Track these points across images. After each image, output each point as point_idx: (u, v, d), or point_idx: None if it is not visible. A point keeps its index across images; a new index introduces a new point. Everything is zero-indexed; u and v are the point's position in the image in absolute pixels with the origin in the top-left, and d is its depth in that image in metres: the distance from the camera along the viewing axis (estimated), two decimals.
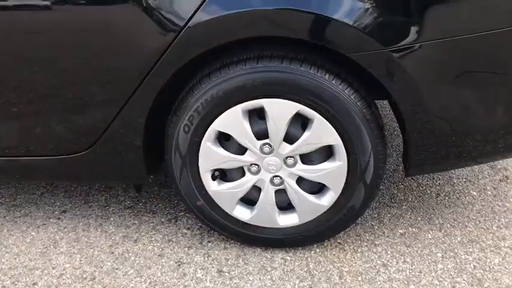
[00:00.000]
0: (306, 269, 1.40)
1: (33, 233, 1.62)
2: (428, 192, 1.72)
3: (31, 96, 1.32)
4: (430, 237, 1.51)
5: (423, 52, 1.16)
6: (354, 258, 1.44)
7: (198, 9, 1.15)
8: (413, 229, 1.55)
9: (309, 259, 1.44)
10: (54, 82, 1.29)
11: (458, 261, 1.41)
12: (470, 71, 1.21)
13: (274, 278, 1.38)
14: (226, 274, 1.40)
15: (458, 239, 1.50)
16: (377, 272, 1.38)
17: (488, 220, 1.57)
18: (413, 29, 1.14)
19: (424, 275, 1.37)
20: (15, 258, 1.50)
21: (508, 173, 1.79)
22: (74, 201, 1.76)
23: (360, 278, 1.37)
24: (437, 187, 1.74)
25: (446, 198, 1.68)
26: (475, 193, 1.70)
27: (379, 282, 1.35)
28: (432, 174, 1.80)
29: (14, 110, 1.35)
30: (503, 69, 1.23)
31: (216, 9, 1.16)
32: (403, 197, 1.70)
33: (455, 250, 1.45)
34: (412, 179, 1.78)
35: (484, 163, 1.79)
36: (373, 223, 1.58)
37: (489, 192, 1.70)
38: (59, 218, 1.68)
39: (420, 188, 1.74)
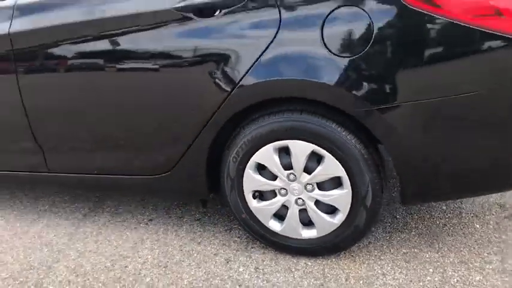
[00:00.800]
0: (321, 272, 1.82)
1: (127, 233, 2.20)
2: (437, 222, 2.06)
3: (130, 134, 1.93)
4: (427, 256, 1.86)
5: (403, 109, 1.58)
6: (360, 267, 1.83)
7: (243, 76, 1.67)
8: (415, 250, 1.90)
9: (325, 265, 1.86)
10: (146, 124, 1.88)
11: (444, 276, 1.75)
12: (441, 123, 1.60)
13: (295, 276, 1.82)
14: (260, 270, 1.86)
15: (451, 259, 1.83)
16: (376, 278, 1.77)
17: (482, 247, 1.88)
18: (395, 93, 1.57)
19: (413, 283, 1.73)
20: (114, 249, 2.09)
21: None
22: (158, 212, 2.34)
23: (361, 282, 1.76)
24: (446, 219, 2.07)
25: (452, 228, 2.01)
26: (478, 226, 2.01)
27: (376, 285, 1.73)
28: (444, 207, 2.13)
29: (119, 143, 1.96)
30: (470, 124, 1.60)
31: (257, 76, 1.67)
32: (414, 225, 2.05)
33: (445, 268, 1.79)
34: (426, 211, 2.13)
35: (469, 197, 2.10)
36: (383, 243, 1.96)
37: (491, 226, 2.00)
38: (146, 224, 2.26)
39: (431, 219, 2.09)
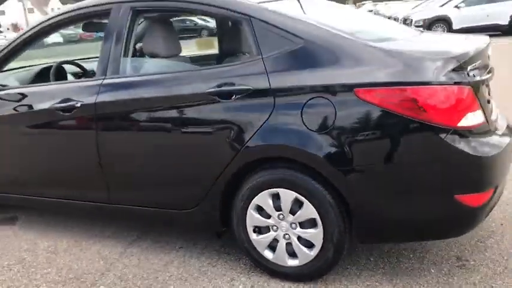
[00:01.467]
0: None
1: (162, 255, 2.87)
2: (401, 265, 2.57)
3: (172, 179, 2.64)
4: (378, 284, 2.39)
5: (357, 171, 2.19)
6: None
7: (248, 140, 2.36)
8: (377, 283, 2.43)
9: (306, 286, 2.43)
10: (184, 173, 2.59)
11: None
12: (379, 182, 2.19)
13: None
14: None
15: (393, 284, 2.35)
16: None
17: (430, 286, 2.38)
18: (351, 159, 2.20)
19: None
20: (151, 265, 2.76)
21: (466, 262, 2.56)
22: (187, 243, 3.00)
23: None
24: (410, 263, 2.58)
25: (411, 270, 2.52)
26: (433, 270, 2.51)
27: None
28: (411, 255, 2.64)
29: (161, 184, 2.68)
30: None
31: (257, 140, 2.36)
32: (381, 265, 2.59)
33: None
34: (395, 256, 2.65)
35: (417, 241, 2.67)
36: (353, 277, 2.50)
37: (443, 272, 2.50)
38: (177, 250, 2.93)
39: (398, 262, 2.60)
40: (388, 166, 2.17)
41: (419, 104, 2.09)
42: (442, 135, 2.10)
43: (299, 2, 2.84)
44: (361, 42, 2.25)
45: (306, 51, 2.28)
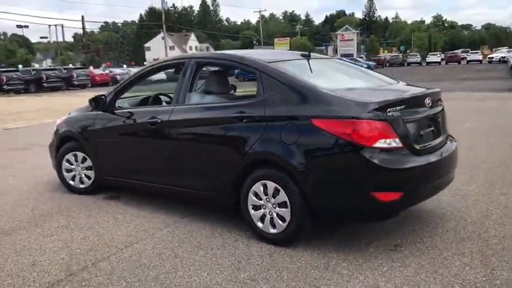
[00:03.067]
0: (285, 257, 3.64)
1: (198, 239, 4.30)
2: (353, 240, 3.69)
3: (205, 170, 4.09)
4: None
5: (310, 170, 3.43)
6: (316, 258, 3.60)
7: (250, 147, 3.72)
8: (330, 253, 3.58)
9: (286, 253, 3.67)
10: (213, 168, 4.02)
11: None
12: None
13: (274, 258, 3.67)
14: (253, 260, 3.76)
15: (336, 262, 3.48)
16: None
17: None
18: (303, 163, 3.44)
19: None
20: (188, 243, 4.20)
21: (399, 242, 3.59)
22: (210, 223, 4.39)
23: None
24: (359, 240, 3.68)
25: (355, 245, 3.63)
26: (371, 249, 3.59)
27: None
28: (360, 234, 3.74)
29: (198, 173, 4.14)
30: None
31: (256, 148, 3.70)
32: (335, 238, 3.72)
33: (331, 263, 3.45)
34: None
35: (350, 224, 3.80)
36: (322, 243, 3.68)
37: (382, 253, 3.56)
38: (205, 226, 4.33)
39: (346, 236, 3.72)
40: (328, 168, 3.41)
41: (348, 131, 3.30)
42: (362, 152, 3.27)
43: (308, 62, 4.12)
44: (320, 90, 3.52)
45: (287, 94, 3.62)
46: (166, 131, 4.33)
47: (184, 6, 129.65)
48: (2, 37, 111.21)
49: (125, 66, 60.62)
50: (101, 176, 5.11)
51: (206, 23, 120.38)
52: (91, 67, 44.98)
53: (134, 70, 44.11)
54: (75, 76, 32.73)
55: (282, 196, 3.61)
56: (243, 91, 6.10)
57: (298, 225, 3.58)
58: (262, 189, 3.73)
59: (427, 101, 3.70)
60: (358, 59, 47.28)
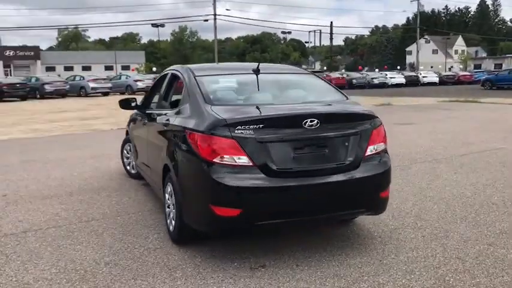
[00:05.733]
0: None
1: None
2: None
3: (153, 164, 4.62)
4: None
5: (177, 173, 3.64)
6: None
7: (164, 151, 4.10)
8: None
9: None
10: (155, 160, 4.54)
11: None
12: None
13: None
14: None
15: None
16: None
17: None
18: (176, 164, 3.66)
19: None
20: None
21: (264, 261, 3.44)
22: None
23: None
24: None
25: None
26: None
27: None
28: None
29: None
30: None
31: (164, 154, 4.06)
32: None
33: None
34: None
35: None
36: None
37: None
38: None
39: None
40: (186, 178, 3.56)
41: (197, 143, 3.41)
42: (204, 165, 3.34)
43: (257, 77, 4.13)
44: (202, 104, 3.65)
45: (189, 106, 3.86)
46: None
47: (458, 8, 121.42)
48: (282, 41, 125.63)
49: (377, 70, 61.40)
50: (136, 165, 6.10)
51: (482, 25, 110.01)
52: (326, 71, 46.76)
53: (374, 74, 44.76)
54: None
55: (173, 198, 3.89)
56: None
57: (179, 228, 3.79)
58: (169, 190, 4.05)
59: (309, 122, 3.38)
60: None
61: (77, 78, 34.18)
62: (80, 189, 5.94)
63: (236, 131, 3.30)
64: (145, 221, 4.62)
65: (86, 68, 65.53)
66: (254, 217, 3.37)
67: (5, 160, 8.16)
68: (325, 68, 64.62)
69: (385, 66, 60.78)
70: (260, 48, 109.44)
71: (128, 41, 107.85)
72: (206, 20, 52.88)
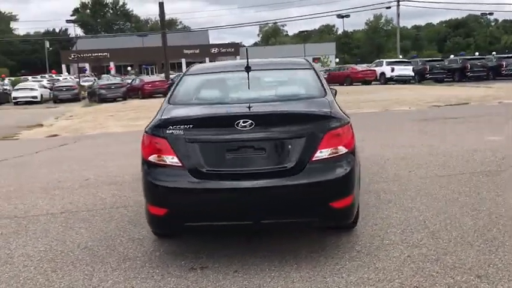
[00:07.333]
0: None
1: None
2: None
3: None
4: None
5: None
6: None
7: None
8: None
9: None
10: None
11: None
12: None
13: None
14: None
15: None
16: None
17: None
18: None
19: None
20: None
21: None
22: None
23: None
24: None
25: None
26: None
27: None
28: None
29: None
30: None
31: None
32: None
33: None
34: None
35: None
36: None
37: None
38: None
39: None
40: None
41: (142, 142, 3.52)
42: (143, 164, 3.47)
43: (248, 74, 4.02)
44: (164, 105, 3.78)
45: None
46: None
47: None
48: (493, 23, 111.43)
49: None
50: None
51: None
52: None
53: None
54: (504, 65, 30.43)
55: None
56: None
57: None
58: None
59: (242, 123, 3.17)
60: None
61: None
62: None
63: (167, 131, 3.34)
64: None
65: None
66: (180, 218, 3.35)
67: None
68: None
69: None
70: (464, 33, 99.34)
71: (325, 33, 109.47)
72: (389, 7, 50.62)
